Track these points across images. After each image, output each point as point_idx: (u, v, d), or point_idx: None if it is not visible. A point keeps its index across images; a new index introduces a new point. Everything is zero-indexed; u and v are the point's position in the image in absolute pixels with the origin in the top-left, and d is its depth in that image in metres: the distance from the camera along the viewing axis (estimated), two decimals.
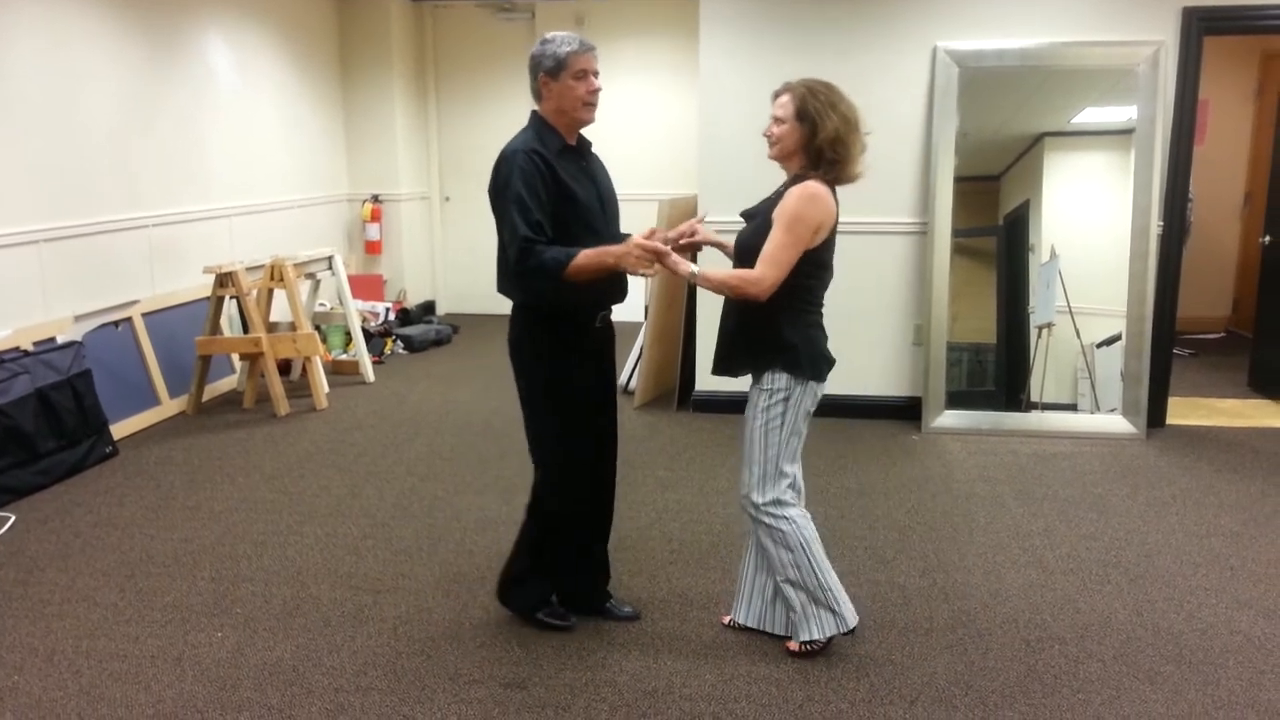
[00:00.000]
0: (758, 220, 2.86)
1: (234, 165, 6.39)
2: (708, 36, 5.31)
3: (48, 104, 4.81)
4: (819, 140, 2.75)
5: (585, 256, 2.74)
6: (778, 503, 2.87)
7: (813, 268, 2.81)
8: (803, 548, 2.88)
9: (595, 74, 2.90)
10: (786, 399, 2.82)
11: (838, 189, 2.85)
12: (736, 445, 4.93)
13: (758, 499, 2.88)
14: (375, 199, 7.96)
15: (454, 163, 8.64)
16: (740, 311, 2.86)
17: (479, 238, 8.70)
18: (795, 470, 2.93)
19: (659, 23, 8.02)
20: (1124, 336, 5.13)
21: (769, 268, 2.71)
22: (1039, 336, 5.22)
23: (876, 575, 3.50)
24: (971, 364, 5.34)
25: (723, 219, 5.45)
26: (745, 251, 2.83)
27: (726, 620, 3.15)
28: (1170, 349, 5.33)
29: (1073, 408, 5.22)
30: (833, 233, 2.83)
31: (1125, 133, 5.06)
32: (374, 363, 6.63)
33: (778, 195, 2.84)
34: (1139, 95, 4.99)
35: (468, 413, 5.60)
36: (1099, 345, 5.18)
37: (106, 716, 2.66)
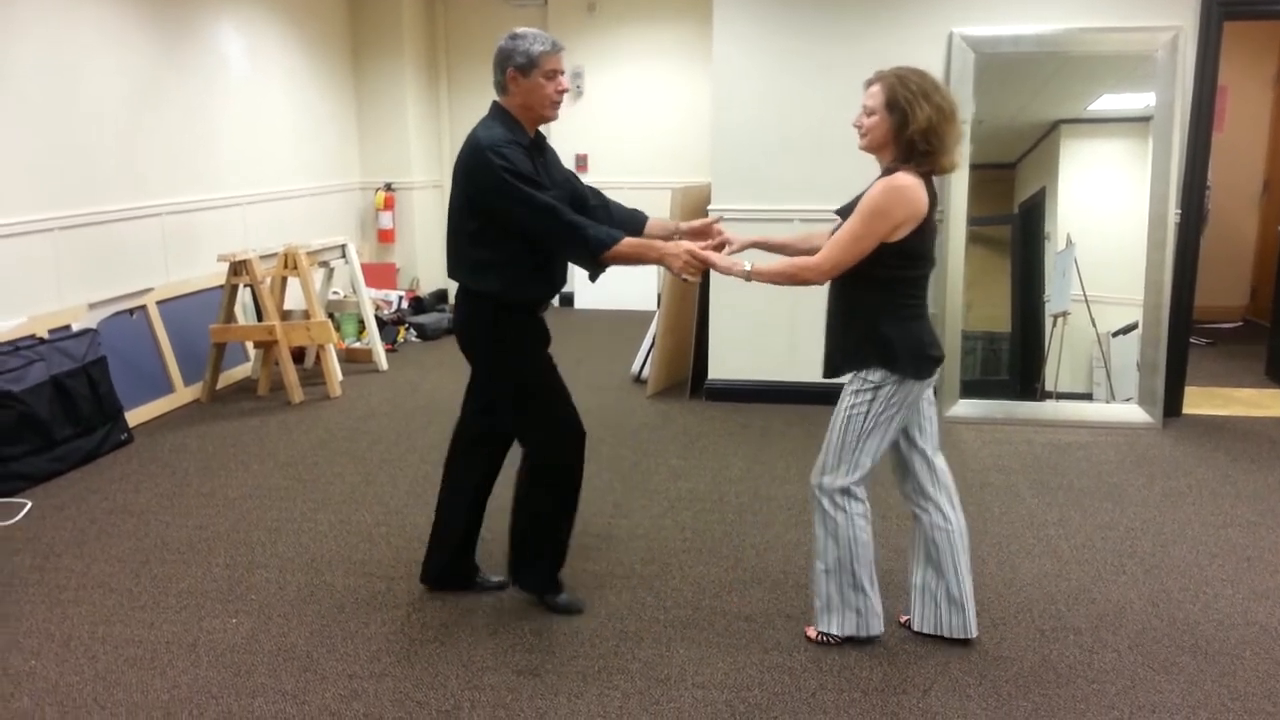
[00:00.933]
0: (847, 215, 2.79)
1: (247, 153, 6.39)
2: (721, 22, 5.28)
3: (61, 92, 4.82)
4: (910, 131, 2.66)
5: (629, 244, 2.84)
6: (844, 492, 2.85)
7: (902, 260, 2.73)
8: (850, 545, 2.86)
9: (563, 74, 2.93)
10: (876, 390, 2.77)
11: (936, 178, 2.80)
12: (767, 434, 4.94)
13: (823, 480, 2.87)
14: (388, 187, 7.97)
15: None
16: (842, 310, 2.85)
17: None
18: (869, 466, 2.86)
19: (671, 9, 7.98)
20: (1140, 325, 5.09)
21: (831, 251, 2.71)
22: (1054, 325, 5.19)
23: (891, 564, 3.49)
24: (986, 353, 5.31)
25: (734, 206, 5.43)
26: None
27: (903, 620, 3.08)
28: (1187, 338, 5.29)
29: (1088, 397, 5.19)
30: (926, 224, 2.72)
31: (1143, 120, 5.01)
32: (387, 351, 6.64)
33: (869, 187, 2.77)
34: (1157, 82, 4.94)
35: None
36: (1115, 334, 5.15)
37: (122, 701, 2.68)
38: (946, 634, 2.95)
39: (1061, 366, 5.19)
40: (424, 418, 5.27)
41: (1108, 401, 5.16)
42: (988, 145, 5.15)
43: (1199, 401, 5.47)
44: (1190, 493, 4.19)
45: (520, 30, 2.90)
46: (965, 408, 5.21)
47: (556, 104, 2.92)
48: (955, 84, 5.05)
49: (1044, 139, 5.15)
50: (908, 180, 2.68)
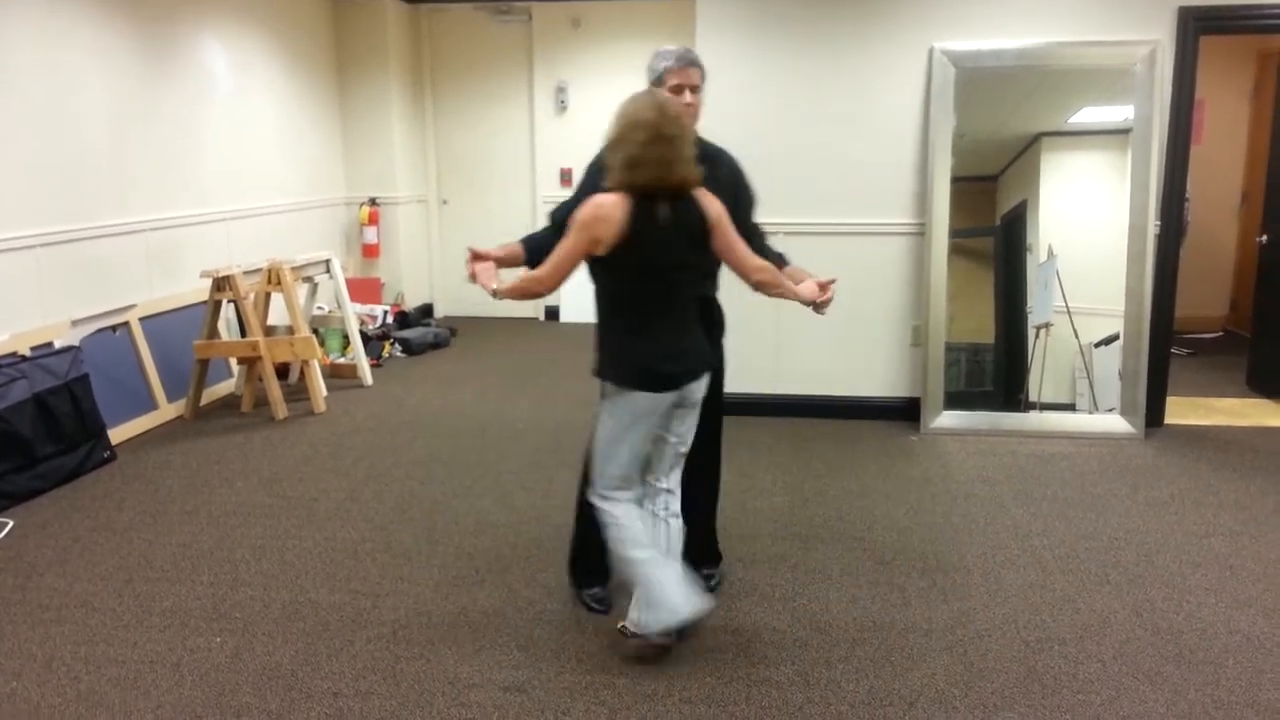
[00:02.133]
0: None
1: (230, 169, 6.38)
2: (704, 38, 5.31)
3: (43, 107, 4.81)
4: (603, 148, 2.82)
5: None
6: (602, 498, 2.93)
7: (610, 276, 2.82)
8: (619, 546, 2.90)
9: (691, 89, 3.00)
10: (604, 400, 2.90)
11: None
12: (752, 447, 4.94)
13: (596, 491, 2.96)
14: (373, 202, 7.96)
15: (451, 165, 8.64)
16: (696, 314, 2.98)
17: (477, 240, 8.67)
18: (633, 472, 2.93)
19: (655, 25, 8.02)
20: (1122, 336, 5.13)
21: (547, 268, 2.80)
22: (1037, 336, 5.22)
23: (876, 576, 3.50)
24: (970, 364, 5.34)
25: None
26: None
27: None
28: (1168, 348, 5.33)
29: (1071, 408, 5.22)
30: (626, 243, 2.70)
31: (1122, 132, 5.07)
32: (372, 366, 6.63)
33: None
34: (1136, 95, 4.99)
35: (466, 416, 5.59)
36: (1097, 345, 5.19)
37: None
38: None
39: (1044, 377, 5.23)
40: (409, 433, 5.26)
41: (1090, 412, 5.20)
42: (970, 158, 5.19)
43: (1180, 411, 5.51)
44: (1173, 502, 4.22)
45: (661, 48, 3.06)
46: (950, 419, 5.23)
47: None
48: (937, 98, 5.10)
49: (1025, 152, 5.19)
50: (602, 197, 2.73)
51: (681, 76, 2.98)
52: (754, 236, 3.13)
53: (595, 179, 2.86)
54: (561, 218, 2.92)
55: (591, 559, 3.20)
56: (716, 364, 3.13)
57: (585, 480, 3.10)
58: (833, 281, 2.98)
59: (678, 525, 3.02)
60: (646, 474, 3.00)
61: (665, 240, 2.75)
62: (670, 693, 2.78)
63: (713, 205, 2.83)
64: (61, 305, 4.93)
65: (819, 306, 2.98)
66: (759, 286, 2.91)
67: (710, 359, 2.96)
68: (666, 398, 2.84)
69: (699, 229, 2.80)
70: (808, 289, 2.97)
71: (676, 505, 3.03)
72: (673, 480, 3.03)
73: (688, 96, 2.99)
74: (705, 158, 2.96)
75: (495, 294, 2.84)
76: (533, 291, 2.83)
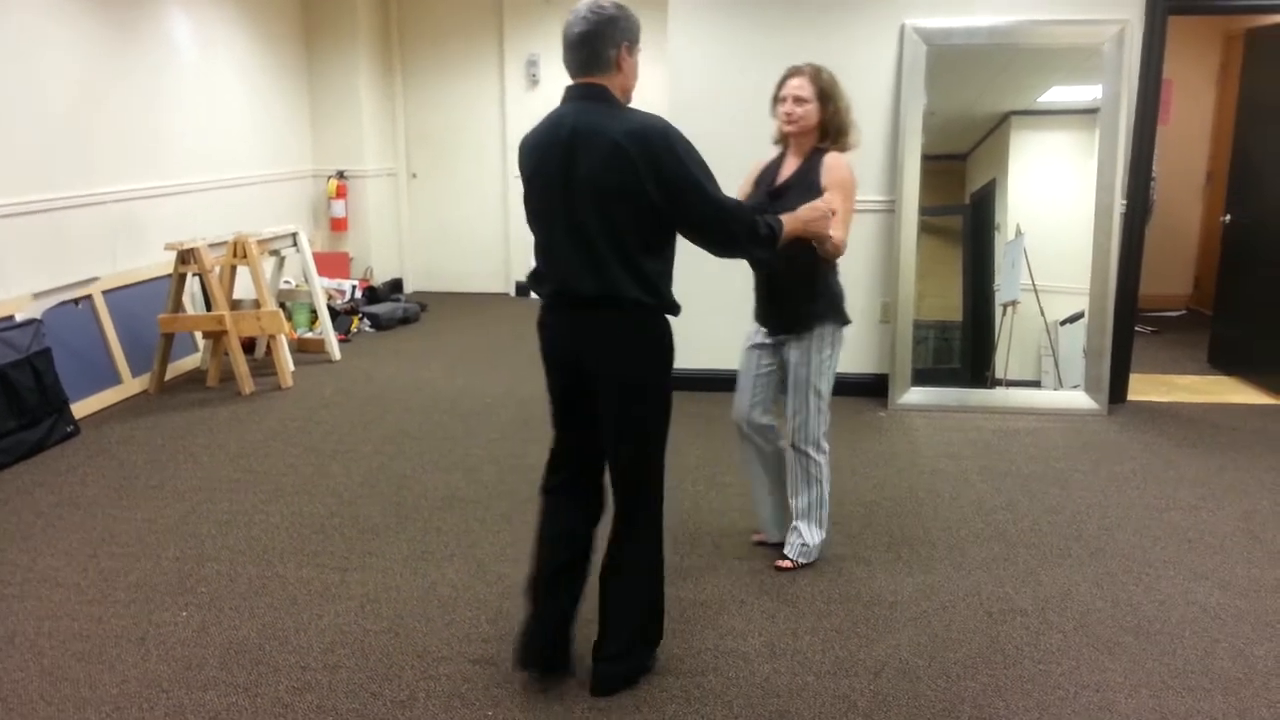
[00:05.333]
0: (794, 192, 3.10)
1: (196, 141, 6.28)
2: (676, 13, 5.28)
3: (5, 78, 4.70)
4: (830, 114, 3.17)
5: (788, 220, 2.73)
6: (823, 449, 3.35)
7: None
8: (827, 481, 3.42)
9: None
10: (834, 344, 3.24)
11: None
12: (723, 423, 4.95)
13: (821, 437, 3.32)
14: (340, 175, 7.88)
15: (420, 139, 8.55)
16: (798, 275, 3.14)
17: (447, 214, 8.65)
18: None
19: None
20: (1087, 314, 5.19)
21: (845, 229, 3.05)
22: (1004, 314, 5.27)
23: (842, 549, 3.53)
24: (938, 341, 5.38)
25: None
26: None
27: (758, 539, 3.57)
28: (1132, 326, 5.40)
29: (1036, 384, 5.28)
30: None
31: (1090, 112, 5.10)
32: (340, 341, 6.58)
33: (801, 167, 3.19)
34: (1104, 74, 5.02)
35: (435, 391, 5.57)
36: (1062, 323, 5.24)
37: (70, 697, 2.64)
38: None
39: (1011, 354, 5.28)
40: (378, 408, 5.23)
41: (1055, 389, 5.26)
42: (939, 136, 5.21)
43: (1143, 388, 5.59)
44: (1134, 477, 4.29)
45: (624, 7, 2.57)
46: (917, 395, 5.28)
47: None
48: (908, 76, 5.11)
49: (995, 130, 5.22)
50: (846, 158, 3.18)
51: None
52: None
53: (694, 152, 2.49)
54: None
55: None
56: None
57: (653, 514, 2.68)
58: None
59: None
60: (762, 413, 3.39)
61: None
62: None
63: None
64: (23, 278, 4.84)
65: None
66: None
67: None
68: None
69: None
70: None
71: None
72: None
73: None
74: None
75: (835, 246, 3.01)
76: (838, 251, 3.05)
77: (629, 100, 2.59)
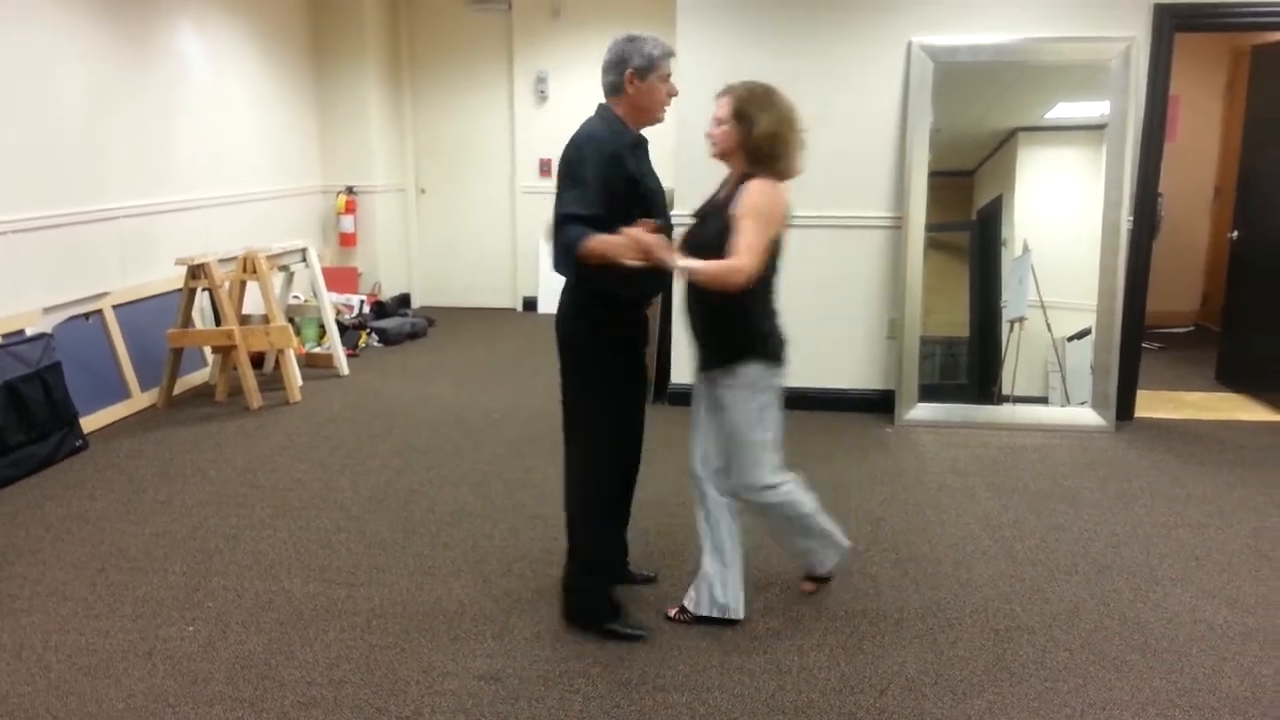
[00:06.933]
0: (712, 219, 2.91)
1: (206, 156, 6.33)
2: (684, 29, 5.32)
3: (17, 93, 4.74)
4: (746, 137, 2.87)
5: (595, 241, 2.77)
6: (773, 487, 3.03)
7: (773, 260, 2.92)
8: (798, 512, 3.11)
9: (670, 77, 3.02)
10: (768, 389, 2.95)
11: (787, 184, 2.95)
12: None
13: (764, 481, 3.00)
14: (350, 191, 7.92)
15: (429, 155, 8.60)
16: (708, 308, 2.94)
17: (455, 230, 8.69)
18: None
19: (634, 14, 7.99)
20: (1094, 330, 5.18)
21: (750, 257, 2.76)
22: (1011, 330, 5.27)
23: (849, 565, 3.53)
24: (944, 358, 5.38)
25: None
26: (706, 248, 2.85)
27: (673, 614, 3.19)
28: (1139, 343, 5.39)
29: (1043, 401, 5.27)
30: (785, 227, 2.93)
31: (1097, 128, 5.11)
32: (348, 356, 6.60)
33: (728, 194, 2.92)
34: (1111, 91, 5.04)
35: (442, 406, 5.58)
36: (1070, 339, 5.24)
37: (77, 711, 2.65)
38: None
39: (1018, 371, 5.27)
40: (385, 422, 5.25)
41: (1062, 405, 5.25)
42: (946, 153, 5.22)
43: (1151, 405, 5.58)
44: (1142, 494, 4.27)
45: (636, 34, 2.97)
46: (924, 411, 5.27)
47: (667, 106, 3.01)
48: (915, 93, 5.12)
49: (1002, 147, 5.23)
50: (775, 183, 2.87)
51: (671, 66, 3.00)
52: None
53: (610, 168, 2.82)
54: (592, 205, 2.79)
55: (592, 573, 3.14)
56: None
57: (582, 481, 3.09)
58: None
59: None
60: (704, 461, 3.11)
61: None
62: (644, 680, 2.80)
63: None
64: (34, 292, 4.88)
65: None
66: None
67: None
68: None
69: None
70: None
71: None
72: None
73: (674, 86, 3.03)
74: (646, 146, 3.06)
75: (685, 273, 2.83)
76: (732, 282, 2.76)
77: (648, 117, 2.99)
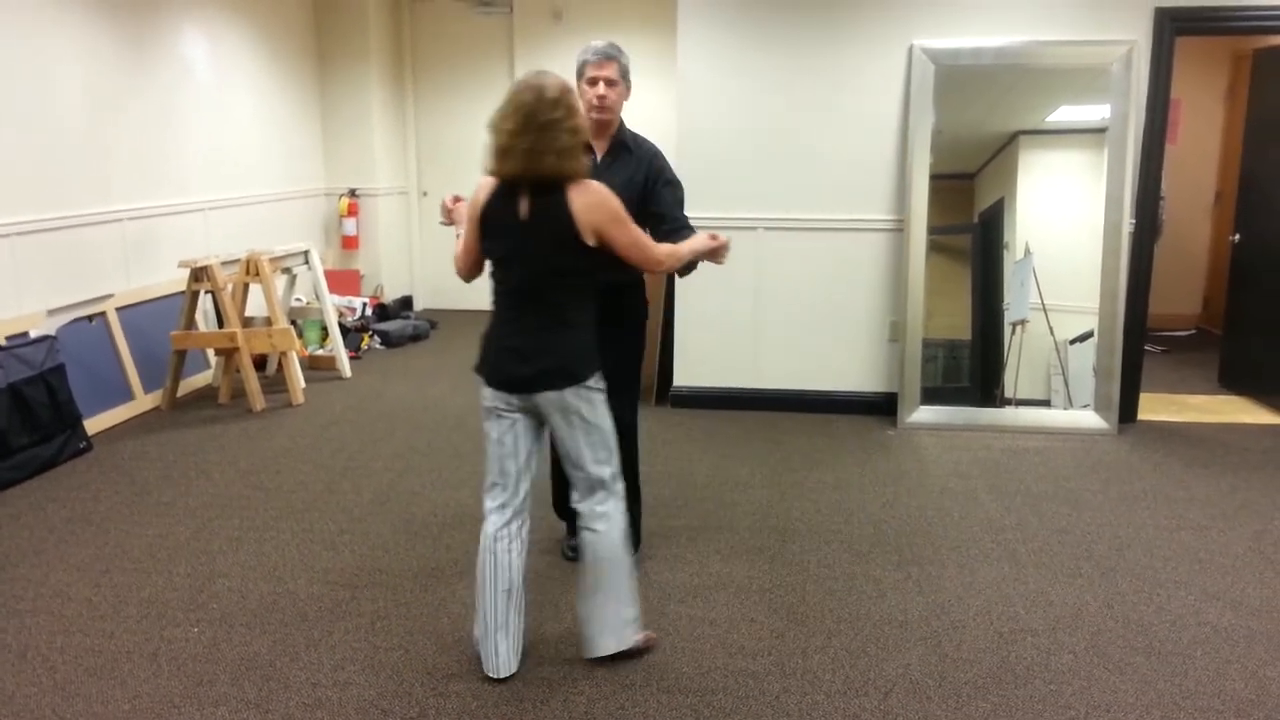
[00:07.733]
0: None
1: (209, 159, 6.34)
2: (685, 32, 5.32)
3: (19, 96, 4.76)
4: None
5: None
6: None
7: (490, 264, 2.86)
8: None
9: (606, 81, 3.15)
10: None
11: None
12: (731, 441, 4.96)
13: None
14: (352, 193, 7.93)
15: (432, 157, 8.61)
16: (561, 317, 2.70)
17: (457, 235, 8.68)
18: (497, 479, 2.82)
19: (636, 19, 8.01)
20: (1096, 333, 5.19)
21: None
22: (1013, 333, 5.27)
23: (852, 568, 3.53)
24: (947, 360, 5.38)
25: (698, 214, 5.46)
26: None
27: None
28: (1142, 345, 5.40)
29: (1046, 403, 5.28)
30: (483, 232, 2.77)
31: (1099, 131, 5.12)
32: (351, 358, 6.60)
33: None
34: (1112, 94, 5.04)
35: (445, 408, 5.59)
36: (1072, 342, 5.24)
37: (82, 713, 2.65)
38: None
39: (1020, 373, 5.28)
40: (388, 425, 5.25)
41: (1065, 408, 5.25)
42: (948, 156, 5.23)
43: (1153, 408, 5.58)
44: (1144, 497, 4.28)
45: (590, 44, 3.20)
46: (926, 414, 5.28)
47: (593, 107, 3.13)
48: (916, 96, 5.13)
49: (1003, 150, 5.24)
50: (484, 178, 2.76)
51: (597, 69, 3.15)
52: (682, 228, 3.18)
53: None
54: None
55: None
56: (582, 374, 2.70)
57: None
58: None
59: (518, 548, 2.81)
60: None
61: (523, 236, 2.60)
62: (648, 682, 2.80)
63: (589, 211, 2.57)
64: (38, 294, 4.89)
65: (717, 255, 2.95)
66: (668, 272, 3.07)
67: (568, 373, 2.67)
68: (508, 397, 2.68)
69: (565, 231, 2.57)
70: (700, 241, 2.96)
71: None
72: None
73: (601, 88, 3.15)
74: (621, 147, 3.24)
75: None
76: (458, 265, 2.87)
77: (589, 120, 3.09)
